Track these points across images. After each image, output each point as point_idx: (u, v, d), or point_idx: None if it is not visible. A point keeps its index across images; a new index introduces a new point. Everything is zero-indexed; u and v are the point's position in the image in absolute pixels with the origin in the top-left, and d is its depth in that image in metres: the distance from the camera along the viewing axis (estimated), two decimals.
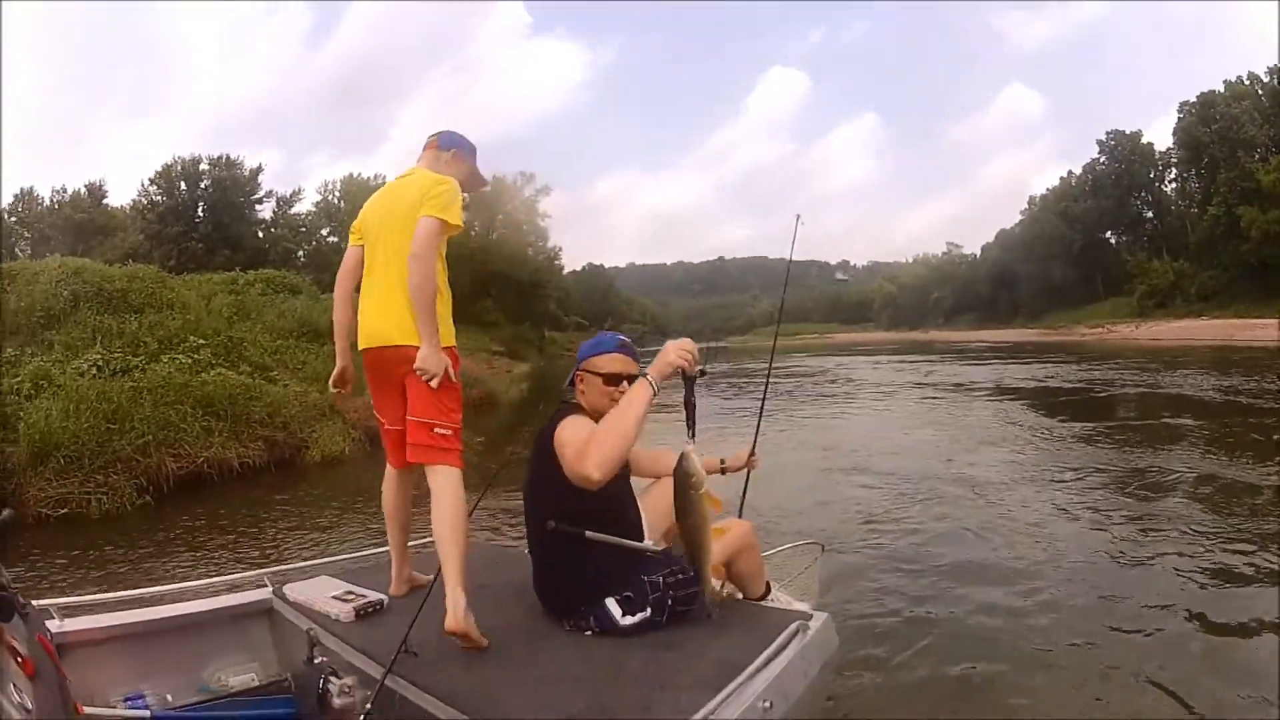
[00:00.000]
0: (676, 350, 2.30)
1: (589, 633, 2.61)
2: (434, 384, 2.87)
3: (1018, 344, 46.15)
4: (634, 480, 3.18)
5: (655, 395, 2.33)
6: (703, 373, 2.32)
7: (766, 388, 3.93)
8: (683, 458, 2.22)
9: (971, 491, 7.16)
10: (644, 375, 2.38)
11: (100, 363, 10.92)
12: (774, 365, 4.03)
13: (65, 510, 7.75)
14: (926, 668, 3.61)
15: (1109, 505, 6.39)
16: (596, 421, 2.61)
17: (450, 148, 3.28)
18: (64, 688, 2.00)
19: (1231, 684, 3.28)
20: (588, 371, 2.80)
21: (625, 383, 2.78)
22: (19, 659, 1.69)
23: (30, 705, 1.53)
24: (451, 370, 2.92)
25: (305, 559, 4.37)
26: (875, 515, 6.51)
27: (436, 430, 2.91)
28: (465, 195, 3.18)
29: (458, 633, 2.55)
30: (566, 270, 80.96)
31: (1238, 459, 7.83)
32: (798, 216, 3.71)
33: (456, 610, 2.58)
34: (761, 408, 3.71)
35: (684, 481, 2.22)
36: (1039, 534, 5.70)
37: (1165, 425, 10.48)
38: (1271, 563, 4.73)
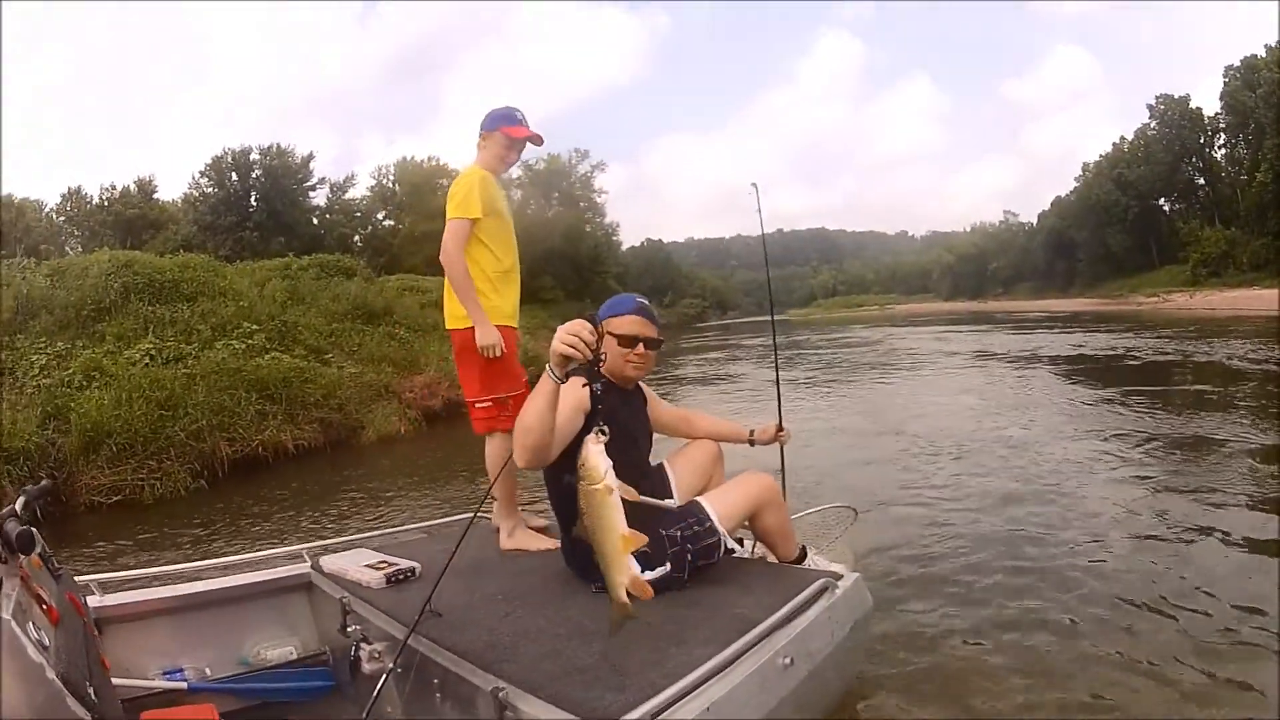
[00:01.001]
0: (560, 336, 2.04)
1: None
2: (494, 354, 3.38)
3: (1076, 313, 44.95)
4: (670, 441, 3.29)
5: (559, 384, 2.15)
6: (599, 358, 2.10)
7: (776, 364, 3.99)
8: (581, 448, 2.05)
9: (1014, 458, 6.98)
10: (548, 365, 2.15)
11: (153, 351, 11.07)
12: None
13: (119, 497, 7.91)
14: (962, 635, 3.52)
15: (1161, 476, 6.11)
16: (614, 383, 2.81)
17: (480, 134, 3.62)
18: (91, 645, 2.02)
19: None
20: (605, 332, 2.72)
21: (641, 345, 2.79)
22: (44, 605, 1.72)
23: (48, 644, 1.54)
24: (501, 346, 3.40)
25: (350, 535, 4.41)
26: (915, 481, 6.38)
27: (478, 405, 3.54)
28: (514, 158, 3.66)
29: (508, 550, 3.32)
30: (625, 246, 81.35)
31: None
32: (754, 185, 3.63)
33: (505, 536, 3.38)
34: (777, 380, 3.75)
35: (577, 474, 2.05)
36: (1083, 501, 5.52)
37: (1217, 396, 10.04)
38: None
